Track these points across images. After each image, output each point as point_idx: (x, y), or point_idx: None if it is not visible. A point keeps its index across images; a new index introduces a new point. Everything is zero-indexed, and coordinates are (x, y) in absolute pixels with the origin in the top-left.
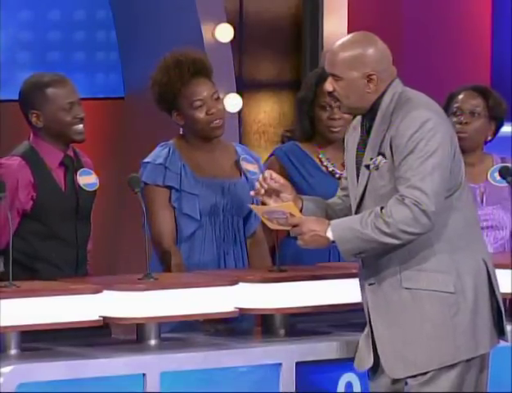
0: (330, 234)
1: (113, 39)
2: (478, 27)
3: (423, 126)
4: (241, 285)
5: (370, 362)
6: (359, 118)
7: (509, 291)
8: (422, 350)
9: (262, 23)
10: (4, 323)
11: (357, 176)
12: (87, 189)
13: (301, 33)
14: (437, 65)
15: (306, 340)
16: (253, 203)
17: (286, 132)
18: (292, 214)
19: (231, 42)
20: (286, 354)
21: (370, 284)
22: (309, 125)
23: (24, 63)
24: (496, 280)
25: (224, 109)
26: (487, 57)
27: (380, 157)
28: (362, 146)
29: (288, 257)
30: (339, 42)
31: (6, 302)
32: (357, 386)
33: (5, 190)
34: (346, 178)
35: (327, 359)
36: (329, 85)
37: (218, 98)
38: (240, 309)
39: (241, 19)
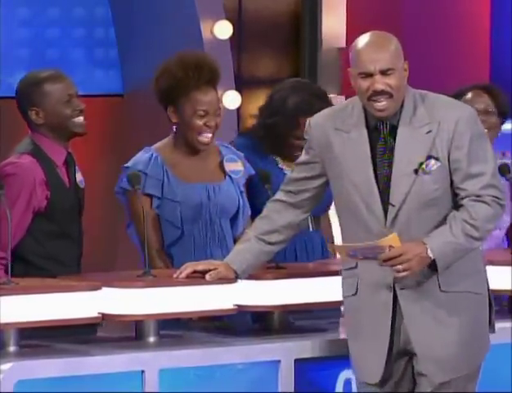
0: (430, 253)
1: (112, 36)
2: (477, 26)
3: (476, 121)
4: (240, 282)
5: (380, 373)
6: (327, 115)
7: (509, 288)
8: (464, 352)
9: (260, 20)
10: (3, 320)
11: (377, 182)
12: (81, 186)
13: (300, 31)
14: (436, 64)
15: (304, 337)
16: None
17: (242, 133)
18: (392, 247)
19: (230, 39)
20: (285, 351)
21: (402, 289)
22: (280, 147)
23: (22, 60)
24: None
25: (220, 122)
26: (486, 56)
27: (433, 161)
28: (385, 149)
29: (286, 254)
30: (376, 38)
31: (5, 299)
32: (355, 383)
33: (4, 187)
34: (301, 179)
35: (326, 356)
36: (381, 84)
37: (220, 113)
38: (239, 307)
39: (240, 16)
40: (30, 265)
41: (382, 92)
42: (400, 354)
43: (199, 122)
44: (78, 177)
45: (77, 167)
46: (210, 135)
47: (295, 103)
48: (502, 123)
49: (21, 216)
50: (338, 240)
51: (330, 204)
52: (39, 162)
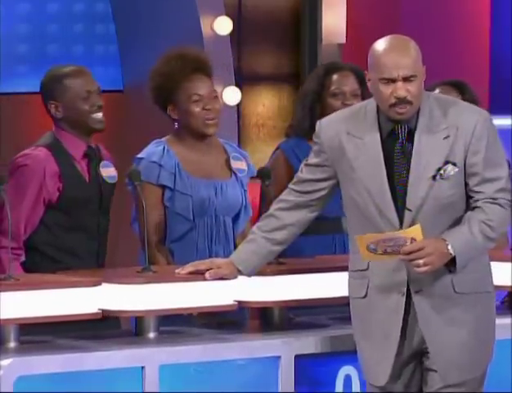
0: (451, 249)
1: (112, 32)
2: (477, 26)
3: (491, 124)
4: (240, 278)
5: (386, 377)
6: (339, 118)
7: (509, 284)
8: (477, 353)
9: (260, 16)
10: (3, 316)
11: (392, 187)
12: (109, 181)
13: (300, 26)
14: (436, 63)
15: (305, 333)
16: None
17: (289, 128)
18: (414, 239)
19: (230, 35)
20: (285, 347)
21: (416, 291)
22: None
23: (22, 56)
24: None
25: (220, 109)
26: (486, 56)
27: (451, 166)
28: (403, 154)
29: (285, 250)
30: (398, 43)
31: (5, 295)
32: (355, 379)
33: (4, 183)
34: (309, 181)
35: (326, 351)
36: (404, 91)
37: (217, 98)
38: (239, 302)
39: (240, 12)
40: (44, 256)
41: (404, 100)
42: (412, 357)
43: (197, 108)
44: (108, 172)
45: (107, 161)
46: (213, 119)
47: (318, 68)
48: None
49: (32, 206)
50: None
51: None
52: (54, 155)
